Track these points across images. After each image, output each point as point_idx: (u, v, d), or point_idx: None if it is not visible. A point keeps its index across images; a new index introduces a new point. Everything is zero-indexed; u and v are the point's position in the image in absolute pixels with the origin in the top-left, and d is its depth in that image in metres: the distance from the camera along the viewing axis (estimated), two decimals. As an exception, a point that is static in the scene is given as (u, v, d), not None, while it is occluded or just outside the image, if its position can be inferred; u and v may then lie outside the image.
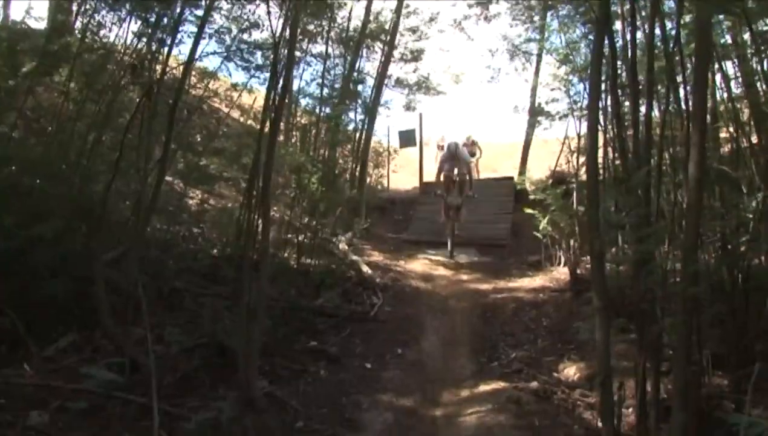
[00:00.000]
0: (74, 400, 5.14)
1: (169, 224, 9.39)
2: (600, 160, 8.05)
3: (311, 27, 14.30)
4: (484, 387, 6.53)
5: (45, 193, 6.83)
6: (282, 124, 11.97)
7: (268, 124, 6.61)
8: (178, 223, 9.75)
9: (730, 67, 5.90)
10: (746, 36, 5.62)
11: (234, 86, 11.23)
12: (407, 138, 17.89)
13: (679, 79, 4.93)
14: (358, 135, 15.65)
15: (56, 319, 6.20)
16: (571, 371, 6.83)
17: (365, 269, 10.59)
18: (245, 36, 10.02)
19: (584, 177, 10.50)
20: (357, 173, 15.43)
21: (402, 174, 18.88)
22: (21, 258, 5.97)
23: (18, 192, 6.54)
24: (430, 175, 16.84)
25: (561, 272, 10.85)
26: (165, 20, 7.74)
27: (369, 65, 17.14)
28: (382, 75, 16.82)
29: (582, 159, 10.98)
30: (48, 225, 6.00)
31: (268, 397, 5.76)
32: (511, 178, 16.37)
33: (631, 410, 5.10)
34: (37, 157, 7.17)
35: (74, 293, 6.30)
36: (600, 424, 4.84)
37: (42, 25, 8.44)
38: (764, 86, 5.56)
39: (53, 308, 6.17)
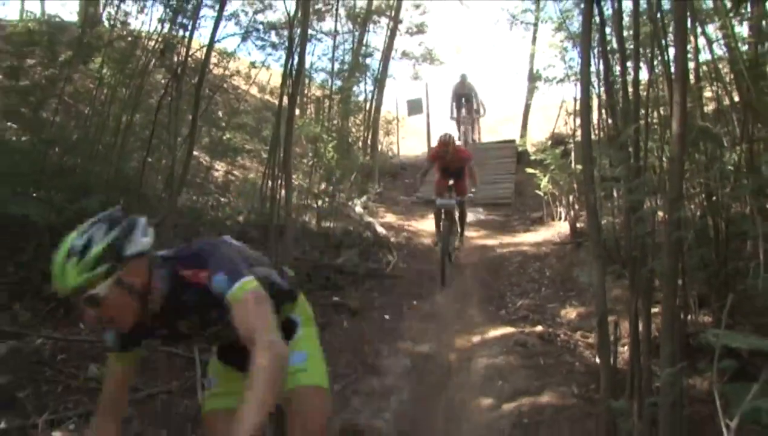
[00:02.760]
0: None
1: (198, 195, 9.60)
2: (594, 120, 8.14)
3: (320, 5, 14.31)
4: (493, 333, 6.70)
5: (86, 171, 7.03)
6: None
7: (285, 98, 6.75)
8: (207, 193, 9.96)
9: (711, 29, 5.93)
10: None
11: (252, 64, 11.37)
12: (415, 106, 17.87)
13: (664, 42, 5.01)
14: (368, 105, 15.70)
15: (104, 284, 6.42)
16: (572, 316, 7.01)
17: (380, 229, 10.76)
18: (260, 17, 10.16)
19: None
20: (369, 141, 15.52)
21: (410, 140, 18.93)
22: (71, 230, 6.18)
23: (63, 171, 6.74)
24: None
25: (562, 227, 10.98)
26: (186, 5, 7.86)
27: (376, 39, 17.15)
28: (388, 48, 16.82)
29: (579, 121, 11.04)
30: (93, 199, 6.20)
31: (297, 347, 5.97)
32: (513, 141, 16.41)
33: (626, 347, 5.26)
34: (77, 139, 7.37)
35: (118, 261, 6.51)
36: (598, 360, 5.03)
37: (74, 17, 8.60)
38: (744, 47, 5.60)
39: (100, 275, 6.39)
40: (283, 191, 6.27)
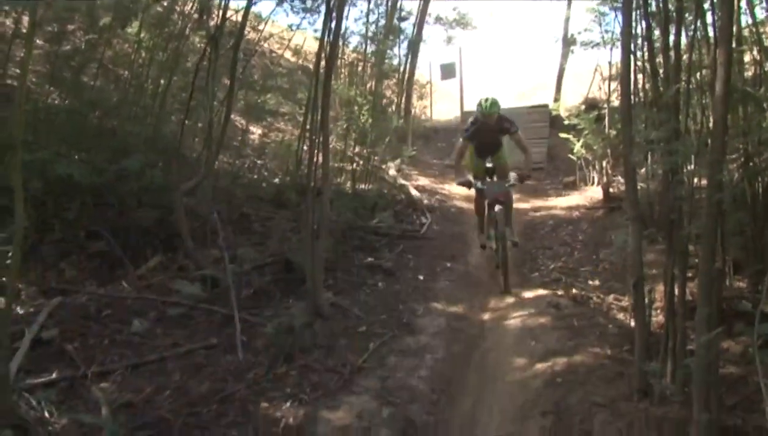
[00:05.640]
0: (168, 310, 5.51)
1: (235, 157, 9.64)
2: (631, 84, 7.95)
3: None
4: (526, 294, 6.68)
5: (126, 133, 7.10)
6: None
7: (323, 61, 6.68)
8: (243, 156, 10.00)
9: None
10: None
11: (290, 27, 11.36)
12: (448, 70, 17.59)
13: (706, 5, 4.86)
14: (402, 69, 15.52)
15: (144, 243, 6.53)
16: (604, 279, 6.93)
17: (413, 192, 10.71)
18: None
19: (616, 103, 10.41)
20: (402, 104, 15.37)
21: (443, 104, 18.72)
22: (112, 190, 6.29)
23: (103, 133, 6.83)
24: (470, 105, 16.69)
25: (594, 191, 10.82)
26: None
27: (410, 4, 16.85)
28: (422, 12, 16.51)
29: (614, 85, 10.84)
30: (132, 160, 6.28)
31: (332, 306, 6.01)
32: (546, 106, 16.09)
33: (658, 310, 5.21)
34: (116, 102, 7.44)
35: (158, 220, 6.61)
36: (632, 323, 4.98)
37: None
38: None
39: (141, 234, 6.50)
40: (319, 153, 6.24)
